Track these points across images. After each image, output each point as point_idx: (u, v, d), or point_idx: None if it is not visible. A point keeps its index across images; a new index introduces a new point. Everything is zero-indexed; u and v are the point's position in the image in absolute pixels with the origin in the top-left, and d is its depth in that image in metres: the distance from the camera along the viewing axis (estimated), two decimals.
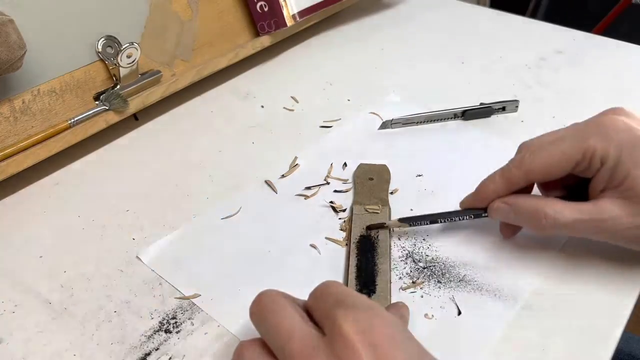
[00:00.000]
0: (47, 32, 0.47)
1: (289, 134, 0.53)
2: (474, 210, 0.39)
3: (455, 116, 0.53)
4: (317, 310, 0.28)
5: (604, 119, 0.36)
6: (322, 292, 0.29)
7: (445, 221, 0.40)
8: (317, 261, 0.40)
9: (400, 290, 0.37)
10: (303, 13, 0.64)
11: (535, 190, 0.40)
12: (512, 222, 0.38)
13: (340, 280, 0.38)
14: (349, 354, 0.25)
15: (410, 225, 0.40)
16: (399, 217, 0.40)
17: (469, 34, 0.69)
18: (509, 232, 0.40)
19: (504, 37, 0.67)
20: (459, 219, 0.40)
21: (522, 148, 0.38)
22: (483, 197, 0.39)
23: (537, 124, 0.52)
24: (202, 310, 0.37)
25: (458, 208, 0.43)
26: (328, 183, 0.47)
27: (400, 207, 0.44)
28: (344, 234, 0.42)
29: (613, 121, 0.35)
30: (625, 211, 0.33)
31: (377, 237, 0.40)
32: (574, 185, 0.38)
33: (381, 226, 0.40)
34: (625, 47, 0.64)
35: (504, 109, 0.53)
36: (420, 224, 0.40)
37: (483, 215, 0.39)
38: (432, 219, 0.40)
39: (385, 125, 0.52)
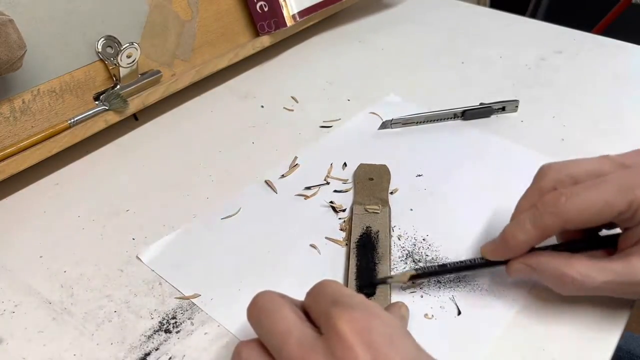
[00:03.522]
0: (47, 32, 0.47)
1: (289, 134, 0.53)
2: (493, 262, 0.35)
3: (455, 116, 0.53)
4: (314, 310, 0.28)
5: None
6: (318, 291, 0.29)
7: (458, 272, 0.37)
8: (317, 261, 0.40)
9: (400, 290, 0.37)
10: (303, 13, 0.64)
11: None
12: (532, 279, 0.35)
13: (340, 280, 0.38)
14: (346, 354, 0.25)
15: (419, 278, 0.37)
16: (410, 272, 0.36)
17: (469, 34, 0.69)
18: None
19: (504, 37, 0.67)
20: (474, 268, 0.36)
21: (546, 176, 0.34)
22: (512, 248, 0.34)
23: (537, 124, 0.52)
24: (202, 310, 0.37)
25: (458, 208, 0.43)
26: (328, 183, 0.47)
27: (400, 207, 0.44)
28: (344, 234, 0.42)
29: None
30: None
31: (377, 237, 0.40)
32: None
33: (384, 282, 0.37)
34: (625, 47, 0.64)
35: (503, 109, 0.53)
36: (430, 277, 0.37)
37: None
38: (445, 271, 0.36)
39: (385, 125, 0.52)
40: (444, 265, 0.36)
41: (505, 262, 0.35)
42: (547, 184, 0.34)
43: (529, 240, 0.33)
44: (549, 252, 0.34)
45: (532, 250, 0.34)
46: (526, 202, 0.35)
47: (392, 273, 0.38)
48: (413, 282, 0.37)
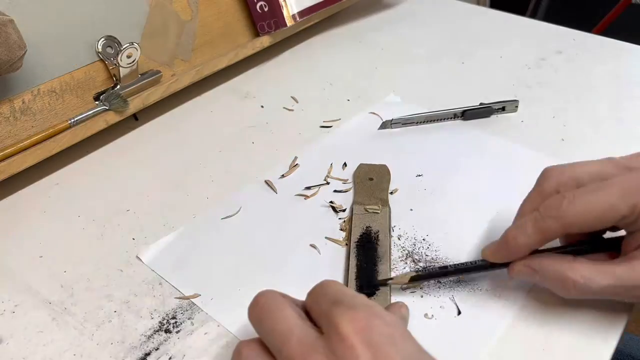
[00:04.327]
0: (47, 32, 0.47)
1: (289, 134, 0.53)
2: (495, 264, 0.35)
3: (455, 116, 0.53)
4: (315, 310, 0.28)
5: None
6: (319, 291, 0.29)
7: (459, 274, 0.36)
8: (317, 261, 0.40)
9: (401, 290, 0.37)
10: (303, 13, 0.64)
11: None
12: (534, 282, 0.35)
13: (340, 280, 0.38)
14: (347, 353, 0.25)
15: (418, 280, 0.36)
16: (410, 274, 0.36)
17: (469, 34, 0.69)
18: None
19: (504, 37, 0.67)
20: (475, 271, 0.36)
21: (549, 178, 0.34)
22: (513, 250, 0.33)
23: (537, 124, 0.52)
24: (202, 310, 0.37)
25: (458, 208, 0.43)
26: (328, 183, 0.47)
27: (400, 207, 0.44)
28: (344, 234, 0.42)
29: None
30: None
31: (377, 237, 0.40)
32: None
33: (385, 283, 0.37)
34: (625, 47, 0.64)
35: (503, 109, 0.53)
36: (430, 279, 0.37)
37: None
38: (446, 273, 0.36)
39: (385, 125, 0.52)
40: (444, 267, 0.36)
41: (506, 265, 0.35)
42: (550, 186, 0.34)
43: (530, 243, 0.33)
44: (552, 254, 0.34)
45: (535, 252, 0.34)
46: (529, 205, 0.35)
47: (393, 274, 0.38)
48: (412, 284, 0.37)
